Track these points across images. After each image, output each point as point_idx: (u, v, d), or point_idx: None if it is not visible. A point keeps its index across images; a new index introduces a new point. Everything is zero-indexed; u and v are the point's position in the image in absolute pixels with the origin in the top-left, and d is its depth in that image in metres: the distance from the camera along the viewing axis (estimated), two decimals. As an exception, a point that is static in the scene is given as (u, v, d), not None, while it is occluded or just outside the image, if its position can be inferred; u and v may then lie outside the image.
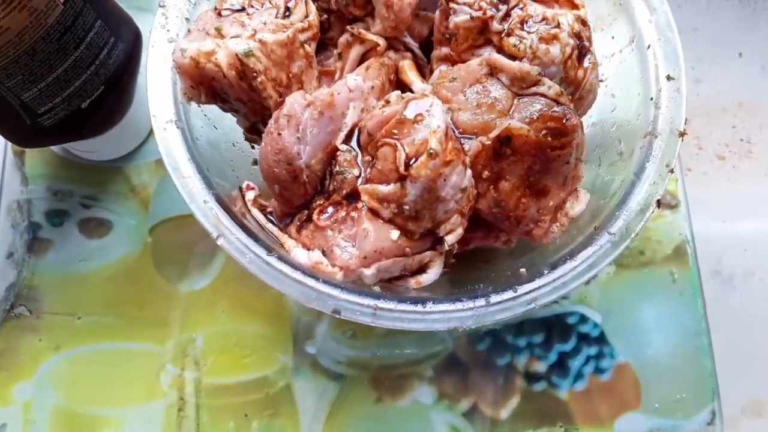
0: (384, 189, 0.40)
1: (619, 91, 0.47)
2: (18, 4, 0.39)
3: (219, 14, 0.44)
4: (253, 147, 0.50)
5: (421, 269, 0.43)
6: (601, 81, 0.48)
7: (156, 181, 0.60)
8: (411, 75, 0.46)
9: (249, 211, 0.44)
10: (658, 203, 0.41)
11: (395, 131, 0.40)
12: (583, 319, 0.55)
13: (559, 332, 0.55)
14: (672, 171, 0.41)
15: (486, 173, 0.42)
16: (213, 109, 0.46)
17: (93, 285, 0.58)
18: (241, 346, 0.56)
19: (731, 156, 0.69)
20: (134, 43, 0.52)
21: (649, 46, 0.44)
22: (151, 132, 0.60)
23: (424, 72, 0.50)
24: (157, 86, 0.43)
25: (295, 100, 0.41)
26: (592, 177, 0.47)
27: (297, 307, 0.57)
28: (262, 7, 0.44)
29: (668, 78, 0.43)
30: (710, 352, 0.55)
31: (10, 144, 0.61)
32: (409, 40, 0.49)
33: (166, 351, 0.56)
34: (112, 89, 0.51)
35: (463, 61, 0.45)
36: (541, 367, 0.55)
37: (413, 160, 0.39)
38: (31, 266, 0.58)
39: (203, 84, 0.42)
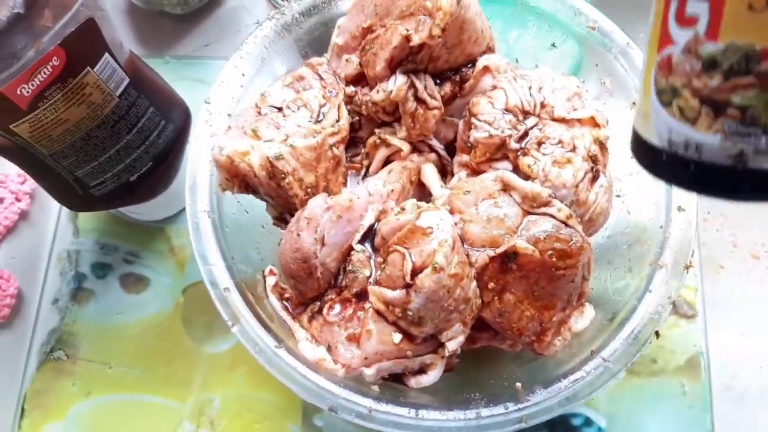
0: (390, 294, 0.42)
1: (634, 211, 0.48)
2: (77, 100, 0.44)
3: (258, 112, 0.48)
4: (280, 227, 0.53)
5: (422, 370, 0.45)
6: (618, 196, 0.49)
7: (193, 245, 0.64)
8: (431, 180, 0.49)
9: (267, 296, 0.47)
10: (657, 334, 0.41)
11: (406, 240, 0.43)
12: (588, 422, 0.56)
13: (563, 434, 0.56)
14: (674, 304, 0.42)
15: (491, 284, 0.44)
16: (246, 195, 0.49)
17: (126, 338, 0.62)
18: (253, 412, 0.59)
19: (766, 256, 0.68)
20: (183, 123, 0.56)
21: (662, 174, 0.45)
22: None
23: (448, 170, 0.52)
24: (194, 177, 0.47)
25: (316, 204, 0.44)
26: (601, 291, 0.48)
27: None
28: (297, 110, 0.47)
29: (679, 209, 0.44)
30: (716, 471, 0.54)
31: (67, 197, 0.66)
32: (434, 142, 0.52)
33: (185, 408, 0.59)
34: (160, 164, 0.55)
35: (481, 171, 0.48)
36: (542, 467, 0.55)
37: (420, 270, 0.41)
38: (72, 314, 0.63)
39: (237, 178, 0.46)
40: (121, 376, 0.61)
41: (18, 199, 0.64)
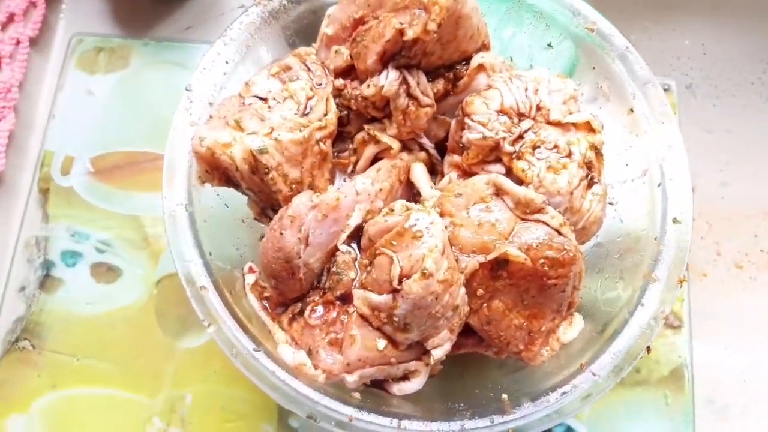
0: (376, 298, 0.41)
1: (627, 219, 0.47)
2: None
3: (242, 102, 0.45)
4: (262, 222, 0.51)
5: (406, 377, 0.44)
6: (611, 204, 0.48)
7: (169, 235, 0.62)
8: (420, 180, 0.47)
9: (246, 295, 0.45)
10: (648, 349, 0.40)
11: (394, 242, 0.41)
12: (569, 430, 0.55)
13: (543, 441, 0.55)
14: (666, 319, 0.41)
15: (480, 291, 0.42)
16: (226, 188, 0.47)
17: (96, 329, 0.60)
18: (227, 410, 0.57)
19: (749, 266, 0.68)
20: None
21: (659, 185, 0.44)
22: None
23: (437, 170, 0.51)
24: (173, 168, 0.44)
25: (300, 202, 0.42)
26: (591, 301, 0.47)
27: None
28: (283, 101, 0.45)
29: (674, 221, 0.43)
30: (695, 483, 0.54)
31: (36, 181, 0.63)
32: (424, 140, 0.50)
33: (156, 404, 0.57)
34: None
35: (473, 173, 0.46)
36: (520, 475, 0.54)
37: (408, 275, 0.40)
38: (40, 302, 0.60)
39: (217, 171, 0.44)
40: (89, 369, 0.59)
41: (-16, 181, 0.61)
